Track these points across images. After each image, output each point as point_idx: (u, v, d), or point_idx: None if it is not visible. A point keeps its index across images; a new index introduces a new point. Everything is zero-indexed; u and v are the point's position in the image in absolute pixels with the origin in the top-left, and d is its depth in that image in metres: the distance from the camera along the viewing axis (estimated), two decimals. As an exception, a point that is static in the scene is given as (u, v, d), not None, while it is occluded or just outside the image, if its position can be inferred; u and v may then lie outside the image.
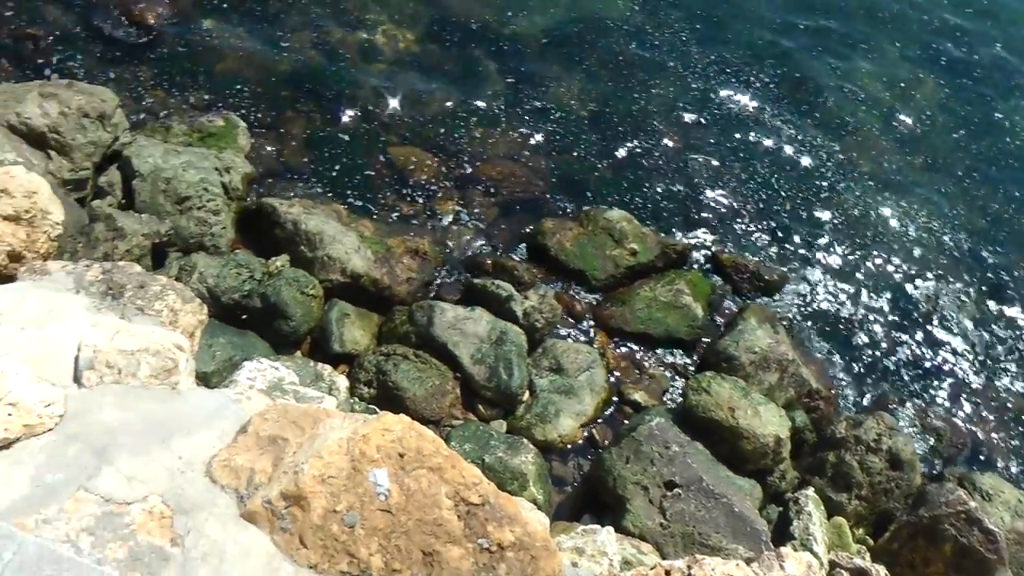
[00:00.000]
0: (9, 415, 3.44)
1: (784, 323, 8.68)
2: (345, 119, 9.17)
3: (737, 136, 10.61)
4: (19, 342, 3.91)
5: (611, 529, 5.71)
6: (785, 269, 9.25)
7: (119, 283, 4.65)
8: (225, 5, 10.07)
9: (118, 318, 4.37)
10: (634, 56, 11.22)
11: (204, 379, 6.04)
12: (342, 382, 6.63)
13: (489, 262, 8.22)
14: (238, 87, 9.13)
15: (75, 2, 9.53)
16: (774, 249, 9.47)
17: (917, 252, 9.97)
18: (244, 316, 7.03)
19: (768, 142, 10.67)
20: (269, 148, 8.63)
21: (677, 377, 8.02)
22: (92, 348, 3.92)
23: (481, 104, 9.82)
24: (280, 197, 7.99)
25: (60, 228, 5.33)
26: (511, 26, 10.96)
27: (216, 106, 8.84)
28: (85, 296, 4.50)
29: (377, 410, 6.55)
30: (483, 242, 8.50)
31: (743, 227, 9.55)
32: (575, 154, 9.66)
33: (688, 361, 8.19)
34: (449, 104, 9.70)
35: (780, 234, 9.65)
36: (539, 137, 9.66)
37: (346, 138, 8.95)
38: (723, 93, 11.17)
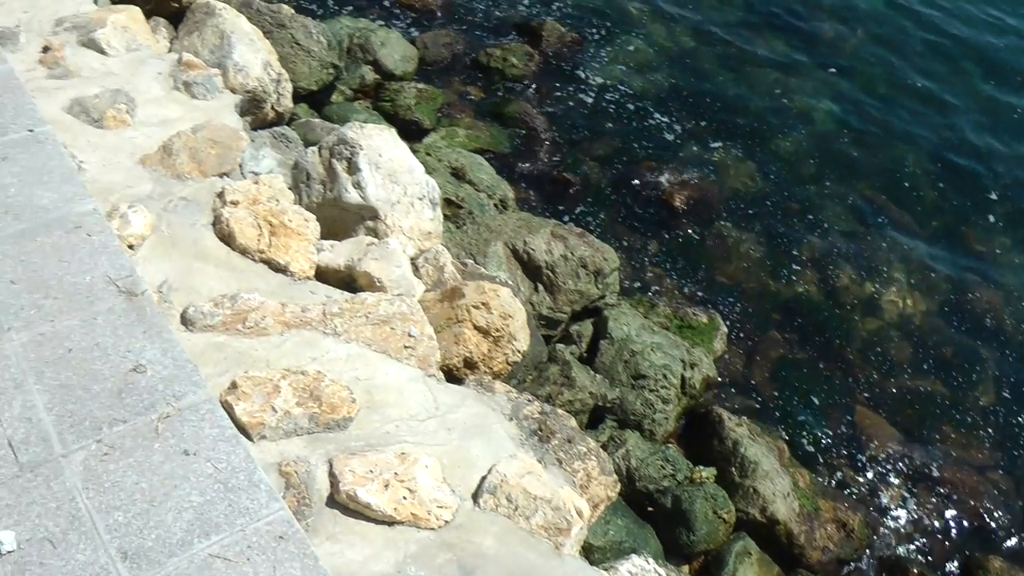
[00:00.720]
0: (404, 498, 3.69)
1: None
2: (823, 364, 8.75)
3: None
4: (441, 439, 4.22)
5: None
6: None
7: (551, 428, 4.76)
8: (747, 213, 10.25)
9: (535, 460, 4.48)
10: None
11: (587, 551, 5.90)
12: (715, 618, 6.16)
13: (915, 571, 7.27)
14: (733, 295, 9.16)
15: (616, 165, 10.34)
16: None
17: None
18: (650, 508, 6.83)
19: None
20: (739, 361, 8.49)
21: None
22: (501, 476, 4.06)
23: (967, 405, 8.86)
24: (731, 411, 7.76)
25: (519, 356, 5.59)
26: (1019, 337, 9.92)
27: (705, 303, 8.93)
28: (515, 427, 4.68)
29: (736, 665, 6.03)
30: (915, 546, 7.56)
31: None
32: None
33: None
34: (936, 392, 8.89)
35: None
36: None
37: (818, 381, 8.54)
38: None
